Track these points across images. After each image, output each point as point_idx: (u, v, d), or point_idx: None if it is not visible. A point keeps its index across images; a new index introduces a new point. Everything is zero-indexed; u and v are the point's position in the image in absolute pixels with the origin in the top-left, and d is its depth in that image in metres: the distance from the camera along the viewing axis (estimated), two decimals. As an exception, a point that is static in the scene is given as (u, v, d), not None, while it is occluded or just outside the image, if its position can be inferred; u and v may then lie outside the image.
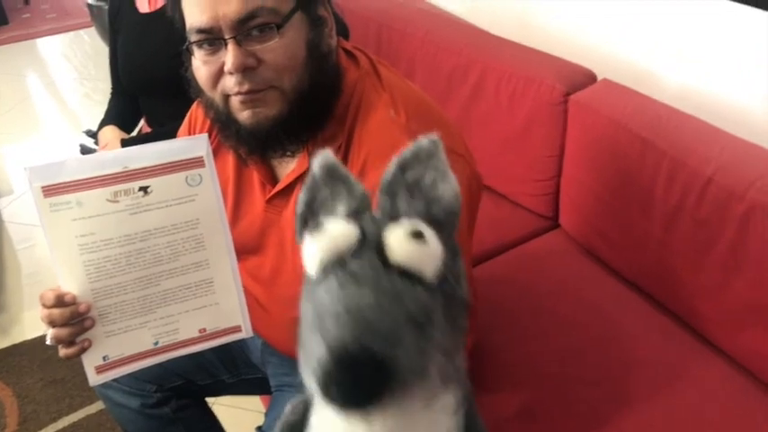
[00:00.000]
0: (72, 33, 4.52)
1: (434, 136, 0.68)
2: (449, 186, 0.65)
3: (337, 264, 0.60)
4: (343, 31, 1.38)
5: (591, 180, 1.50)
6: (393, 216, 0.63)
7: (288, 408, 0.81)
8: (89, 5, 3.46)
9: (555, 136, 1.55)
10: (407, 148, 0.66)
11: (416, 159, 0.66)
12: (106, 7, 3.23)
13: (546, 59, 1.64)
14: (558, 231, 1.65)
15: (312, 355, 0.58)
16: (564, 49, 1.71)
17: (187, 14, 0.94)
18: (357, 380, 0.55)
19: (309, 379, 0.59)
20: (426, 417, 0.61)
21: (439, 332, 0.59)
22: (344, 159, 0.99)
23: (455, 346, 0.62)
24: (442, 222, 0.63)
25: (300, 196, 0.71)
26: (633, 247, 1.42)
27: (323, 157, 0.70)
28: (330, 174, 0.69)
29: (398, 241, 0.59)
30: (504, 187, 1.74)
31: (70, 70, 4.16)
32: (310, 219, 0.69)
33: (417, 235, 0.59)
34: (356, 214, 0.65)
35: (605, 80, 1.56)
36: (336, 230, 0.61)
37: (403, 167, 0.66)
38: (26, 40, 4.47)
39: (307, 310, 0.62)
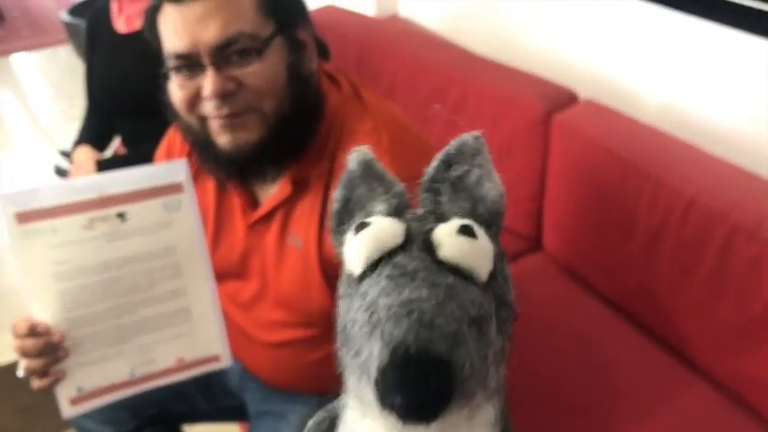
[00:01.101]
0: (48, 50, 4.46)
1: (478, 132, 0.65)
2: (494, 185, 0.62)
3: (386, 262, 0.57)
4: (323, 53, 1.37)
5: (573, 201, 1.49)
6: (438, 213, 0.60)
7: (312, 424, 0.78)
8: (65, 23, 3.42)
9: (536, 156, 1.54)
10: (451, 144, 0.63)
11: (461, 155, 0.63)
12: (83, 25, 3.20)
13: (527, 79, 1.64)
14: (540, 253, 1.64)
15: (368, 361, 0.53)
16: (545, 68, 1.71)
17: (165, 39, 0.93)
18: (418, 383, 0.50)
19: (364, 388, 0.54)
20: (468, 430, 0.58)
21: (494, 336, 0.56)
22: (327, 184, 0.98)
23: (503, 354, 0.59)
24: (488, 222, 0.60)
25: (336, 193, 0.68)
26: (616, 268, 1.42)
27: (360, 154, 0.68)
28: (367, 171, 0.66)
29: (449, 237, 0.56)
30: (485, 208, 1.73)
31: (46, 87, 4.10)
32: (346, 217, 0.66)
33: (468, 231, 0.56)
34: (397, 212, 0.62)
35: (587, 100, 1.56)
36: (383, 227, 0.58)
37: (447, 163, 0.63)
38: (0, 56, 4.40)
39: (354, 312, 0.58)
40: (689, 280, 1.26)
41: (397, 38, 1.98)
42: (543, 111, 1.51)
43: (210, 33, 0.88)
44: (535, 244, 1.66)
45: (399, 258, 0.56)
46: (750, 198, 1.20)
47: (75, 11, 3.45)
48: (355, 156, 0.67)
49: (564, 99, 1.55)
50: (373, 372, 0.52)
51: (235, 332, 1.18)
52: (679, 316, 1.30)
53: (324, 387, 1.06)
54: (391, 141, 0.96)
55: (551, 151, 1.52)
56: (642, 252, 1.34)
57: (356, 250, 0.59)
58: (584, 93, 1.61)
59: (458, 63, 1.78)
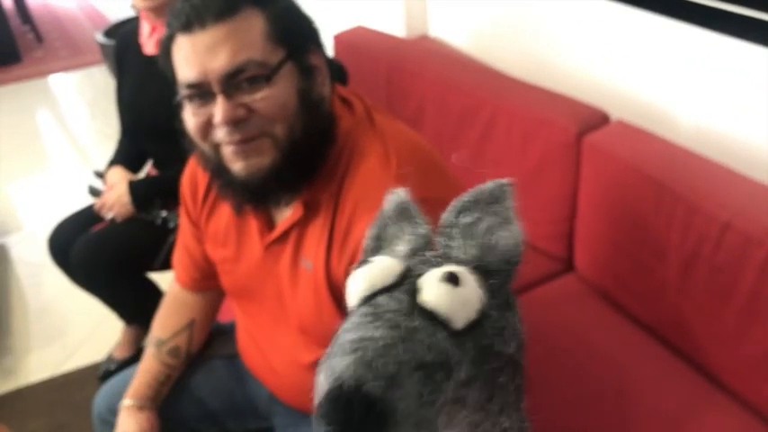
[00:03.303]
0: (84, 70, 4.56)
1: (505, 180, 0.65)
2: (510, 234, 0.62)
3: (371, 299, 0.59)
4: (341, 77, 1.37)
5: (605, 223, 1.47)
6: (445, 258, 0.61)
7: None
8: (100, 44, 3.49)
9: (568, 178, 1.53)
10: (469, 191, 0.64)
11: (475, 203, 0.64)
12: (117, 46, 3.26)
13: (558, 100, 1.63)
14: (572, 275, 1.61)
15: (318, 385, 0.57)
16: (576, 88, 1.70)
17: (177, 69, 0.94)
18: (348, 416, 0.53)
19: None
20: None
21: (458, 385, 0.56)
22: (335, 207, 0.98)
23: (498, 404, 0.59)
24: (494, 271, 0.60)
25: (369, 230, 0.70)
26: (650, 292, 1.39)
27: (396, 196, 0.69)
28: (400, 212, 0.68)
29: (429, 283, 0.57)
30: (516, 229, 1.71)
31: (82, 107, 4.20)
32: (373, 254, 0.67)
33: (451, 279, 0.57)
34: (412, 252, 0.63)
35: (619, 121, 1.54)
36: (377, 265, 0.60)
37: (459, 211, 0.63)
38: (38, 77, 4.51)
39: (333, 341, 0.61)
40: (724, 305, 1.23)
41: (427, 58, 1.98)
42: (575, 132, 1.50)
43: (219, 62, 0.89)
44: (567, 265, 1.64)
45: (380, 298, 0.59)
46: (788, 222, 1.18)
47: (109, 32, 3.52)
48: (392, 197, 0.68)
49: (596, 120, 1.54)
50: (317, 397, 0.56)
51: (259, 356, 1.20)
52: (714, 341, 1.27)
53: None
54: (400, 164, 0.96)
55: (583, 172, 1.51)
56: (676, 276, 1.32)
57: (352, 285, 0.63)
58: (615, 113, 1.59)
59: (488, 83, 1.77)
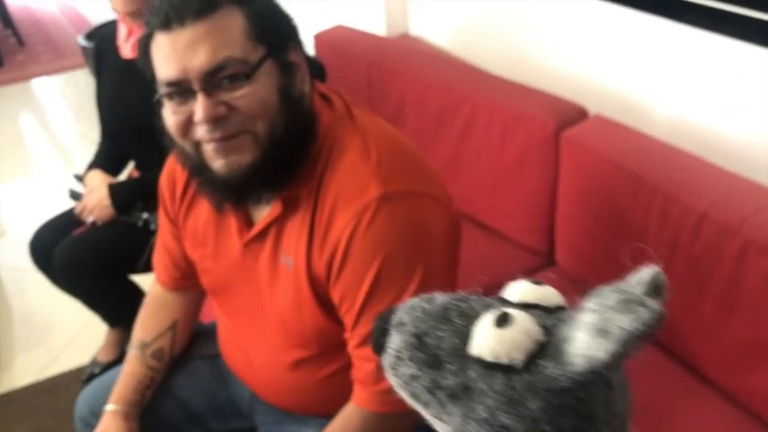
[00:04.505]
0: (67, 74, 4.54)
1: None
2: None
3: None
4: (320, 74, 1.37)
5: (585, 216, 1.48)
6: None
7: None
8: (82, 47, 3.48)
9: (547, 172, 1.54)
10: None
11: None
12: (99, 49, 3.24)
13: (536, 95, 1.64)
14: (553, 268, 1.62)
15: None
16: (554, 84, 1.70)
17: (157, 67, 0.93)
18: None
19: None
20: None
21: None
22: (315, 203, 0.98)
23: None
24: None
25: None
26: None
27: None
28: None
29: (477, 331, 0.59)
30: (498, 223, 1.72)
31: (65, 110, 4.17)
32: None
33: (500, 321, 0.57)
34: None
35: (597, 116, 1.55)
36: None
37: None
38: (21, 81, 4.48)
39: None
40: (701, 295, 1.25)
41: (407, 56, 1.98)
42: (553, 127, 1.50)
43: (199, 60, 0.89)
44: (548, 260, 1.65)
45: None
46: (763, 212, 1.19)
47: (90, 35, 3.50)
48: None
49: (574, 115, 1.55)
50: None
51: (240, 355, 1.20)
52: (693, 332, 1.29)
53: (331, 409, 1.06)
54: (379, 159, 0.96)
55: (562, 167, 1.51)
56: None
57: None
58: (593, 108, 1.60)
59: (467, 80, 1.78)
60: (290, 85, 0.96)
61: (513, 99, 1.63)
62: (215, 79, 0.90)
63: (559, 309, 0.61)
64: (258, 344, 1.14)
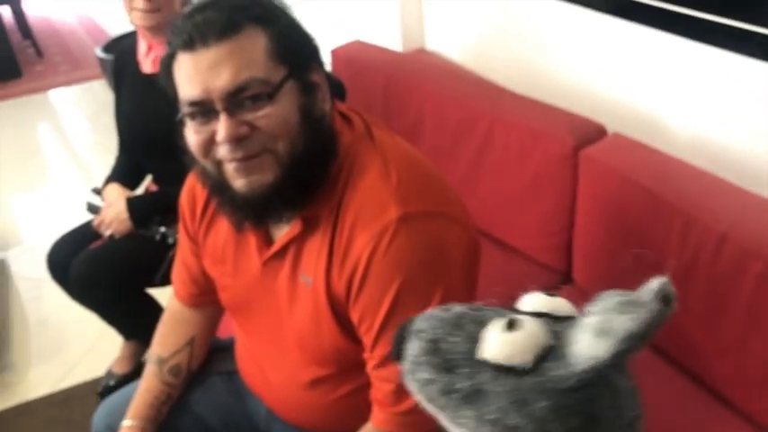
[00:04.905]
0: (84, 85, 4.58)
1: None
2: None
3: None
4: (339, 93, 1.38)
5: (603, 234, 1.47)
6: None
7: None
8: (99, 58, 3.51)
9: (565, 190, 1.53)
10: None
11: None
12: (116, 61, 3.27)
13: (555, 113, 1.63)
14: (571, 286, 1.62)
15: None
16: (572, 101, 1.70)
17: (179, 87, 0.94)
18: None
19: None
20: None
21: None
22: (335, 222, 0.98)
23: None
24: None
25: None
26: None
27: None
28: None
29: (486, 335, 0.61)
30: (515, 240, 1.72)
31: (82, 121, 4.21)
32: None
33: (509, 326, 0.59)
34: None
35: (616, 134, 1.54)
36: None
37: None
38: (39, 92, 4.53)
39: None
40: (722, 316, 1.24)
41: (424, 71, 1.99)
42: (572, 144, 1.50)
43: (222, 80, 0.89)
44: (565, 277, 1.65)
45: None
46: (785, 233, 1.18)
47: (108, 47, 3.54)
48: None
49: (592, 133, 1.54)
50: None
51: (257, 372, 1.20)
52: (713, 353, 1.27)
53: (347, 428, 1.06)
54: (399, 179, 0.96)
55: (580, 185, 1.51)
56: (674, 287, 1.31)
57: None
58: (611, 126, 1.59)
59: (485, 96, 1.78)
60: (311, 104, 0.96)
61: (532, 116, 1.63)
62: (237, 99, 0.90)
63: (570, 317, 0.63)
64: (276, 361, 1.14)
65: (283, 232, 1.04)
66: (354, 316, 0.98)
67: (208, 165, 0.97)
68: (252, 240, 1.08)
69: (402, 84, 1.96)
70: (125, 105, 1.88)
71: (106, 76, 3.58)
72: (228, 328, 1.35)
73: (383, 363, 0.97)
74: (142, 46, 1.81)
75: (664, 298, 0.59)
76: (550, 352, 0.59)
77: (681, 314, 1.33)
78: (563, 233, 1.58)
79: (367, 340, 0.98)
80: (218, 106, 0.90)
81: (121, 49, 1.96)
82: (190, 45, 0.90)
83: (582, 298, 1.64)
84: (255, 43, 0.91)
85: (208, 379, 1.32)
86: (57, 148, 3.93)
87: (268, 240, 1.07)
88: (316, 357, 1.07)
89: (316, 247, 1.00)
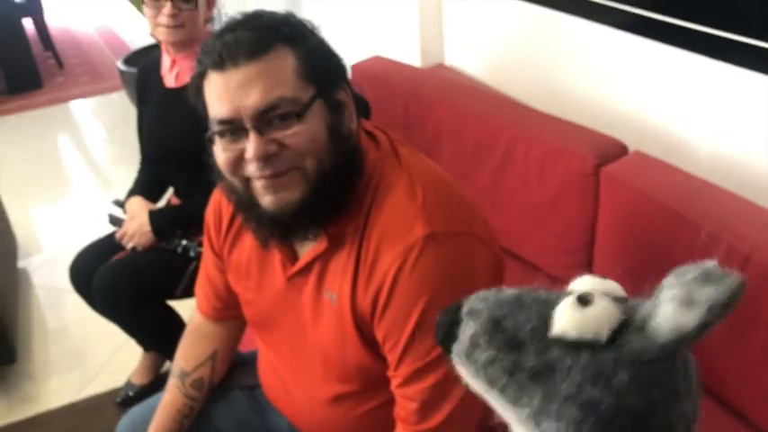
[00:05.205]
0: (104, 96, 4.63)
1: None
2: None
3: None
4: (364, 111, 1.39)
5: (624, 253, 1.47)
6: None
7: None
8: (120, 71, 3.55)
9: (586, 208, 1.53)
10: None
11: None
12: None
13: (576, 130, 1.63)
14: (590, 304, 1.61)
15: None
16: (592, 118, 1.70)
17: (209, 105, 0.95)
18: None
19: None
20: None
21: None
22: (360, 240, 0.99)
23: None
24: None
25: None
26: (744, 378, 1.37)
27: None
28: None
29: (558, 312, 0.61)
30: (534, 257, 1.71)
31: (101, 131, 4.26)
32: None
33: (580, 301, 0.59)
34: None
35: (637, 152, 1.54)
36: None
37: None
38: (59, 103, 4.58)
39: None
40: (745, 339, 1.23)
41: (443, 87, 2.00)
42: (593, 162, 1.50)
43: (252, 99, 0.90)
44: (585, 295, 1.64)
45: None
46: (809, 255, 1.17)
47: (129, 60, 3.59)
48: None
49: (614, 150, 1.54)
50: None
51: (280, 387, 1.20)
52: (737, 376, 1.27)
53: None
54: (425, 199, 0.97)
55: (601, 203, 1.51)
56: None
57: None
58: (633, 144, 1.59)
59: (505, 112, 1.79)
60: (338, 123, 0.97)
61: (552, 133, 1.63)
62: (267, 118, 0.92)
63: (626, 299, 0.64)
64: (299, 377, 1.15)
65: (308, 249, 1.05)
66: (379, 334, 0.99)
67: (235, 182, 0.98)
68: (276, 256, 1.09)
69: (422, 99, 1.96)
70: (148, 119, 1.90)
71: (126, 88, 3.62)
72: (250, 341, 1.36)
73: (407, 381, 0.97)
74: (166, 61, 1.84)
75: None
76: (624, 326, 0.59)
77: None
78: (583, 250, 1.58)
79: (391, 358, 0.99)
80: (248, 125, 0.92)
81: (146, 63, 1.99)
82: (220, 64, 0.92)
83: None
84: (285, 63, 0.93)
85: (229, 393, 1.33)
86: (76, 158, 3.98)
87: (292, 256, 1.08)
88: (339, 374, 1.07)
89: (341, 265, 1.01)
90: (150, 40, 3.62)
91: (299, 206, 0.96)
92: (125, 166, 3.65)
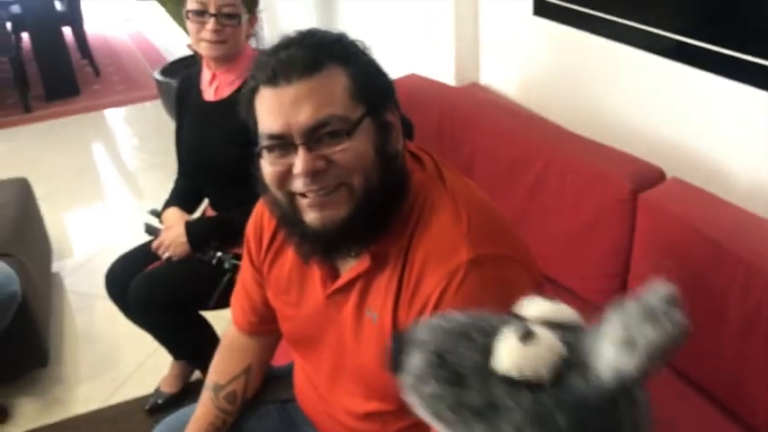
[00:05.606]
0: (138, 105, 4.70)
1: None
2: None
3: None
4: (408, 132, 1.40)
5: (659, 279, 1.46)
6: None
7: None
8: (157, 81, 3.60)
9: (622, 234, 1.52)
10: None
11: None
12: (174, 84, 3.38)
13: (613, 155, 1.63)
14: (624, 330, 1.60)
15: None
16: (629, 143, 1.70)
17: (260, 120, 0.97)
18: None
19: None
20: None
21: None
22: (404, 260, 0.99)
23: None
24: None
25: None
26: (705, 353, 1.37)
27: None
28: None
29: (500, 346, 0.59)
30: (569, 281, 1.71)
31: (133, 139, 4.33)
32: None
33: (524, 336, 0.57)
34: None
35: (675, 179, 1.54)
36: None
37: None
38: (95, 110, 4.66)
39: None
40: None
41: (480, 106, 2.00)
42: (630, 188, 1.50)
43: (303, 116, 0.92)
44: (618, 320, 1.63)
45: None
46: None
47: (165, 70, 3.64)
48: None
49: (652, 177, 1.54)
50: None
51: (317, 401, 1.21)
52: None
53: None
54: (470, 223, 0.97)
55: (638, 229, 1.50)
56: (734, 338, 1.30)
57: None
58: (670, 170, 1.59)
59: (541, 134, 1.79)
60: (385, 143, 0.98)
61: (590, 157, 1.63)
62: (316, 135, 0.93)
63: (576, 326, 0.61)
64: (336, 393, 1.15)
65: (350, 267, 1.06)
66: None
67: (281, 196, 0.99)
68: (316, 272, 1.10)
69: (457, 119, 1.97)
70: (186, 132, 1.93)
71: (162, 98, 3.67)
72: (284, 355, 1.37)
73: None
74: (206, 75, 1.87)
75: (671, 302, 0.57)
76: (567, 364, 0.57)
77: (741, 365, 1.31)
78: (618, 276, 1.57)
79: (432, 380, 0.99)
80: (297, 140, 0.93)
81: (185, 76, 2.02)
82: (273, 80, 0.93)
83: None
84: (336, 81, 0.94)
85: (262, 407, 1.34)
86: (108, 165, 4.05)
87: (333, 273, 1.08)
88: (378, 392, 1.07)
89: (383, 284, 1.01)
90: (186, 52, 3.67)
91: (345, 224, 0.96)
92: (153, 171, 3.73)
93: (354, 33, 1.03)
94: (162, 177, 3.65)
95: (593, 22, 1.82)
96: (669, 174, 1.58)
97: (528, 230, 1.75)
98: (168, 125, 3.90)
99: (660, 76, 1.68)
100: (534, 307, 0.62)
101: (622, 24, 1.73)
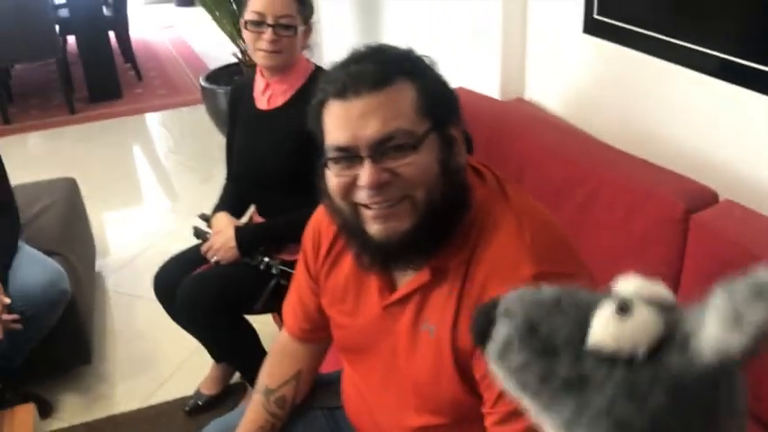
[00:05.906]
0: (178, 110, 4.78)
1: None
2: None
3: None
4: (468, 147, 1.41)
5: (709, 302, 1.45)
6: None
7: None
8: (203, 87, 3.66)
9: (673, 254, 1.51)
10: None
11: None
12: (219, 90, 3.44)
13: (666, 174, 1.62)
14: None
15: None
16: (681, 164, 1.69)
17: (327, 131, 0.99)
18: None
19: None
20: None
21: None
22: (465, 275, 1.00)
23: None
24: None
25: None
26: (757, 378, 1.36)
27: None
28: None
29: (595, 322, 0.57)
30: (614, 300, 1.70)
31: (169, 142, 4.41)
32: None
33: (621, 309, 0.55)
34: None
35: (727, 200, 1.53)
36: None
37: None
38: (137, 114, 4.74)
39: None
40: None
41: (527, 121, 2.00)
42: (683, 209, 1.49)
43: (371, 129, 0.94)
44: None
45: None
46: None
47: (209, 77, 3.71)
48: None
49: (705, 198, 1.52)
50: None
51: (365, 411, 1.22)
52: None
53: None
54: (533, 239, 0.98)
55: (688, 250, 1.49)
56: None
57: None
58: (722, 192, 1.58)
59: (591, 151, 1.78)
60: (449, 157, 1.00)
61: (641, 176, 1.62)
62: (383, 148, 0.94)
63: (673, 306, 0.59)
64: (386, 404, 1.16)
65: (408, 279, 1.07)
66: (478, 370, 1.00)
67: (344, 206, 1.01)
68: (373, 283, 1.11)
69: (505, 134, 1.97)
70: (238, 139, 1.96)
71: (206, 103, 3.73)
72: (332, 362, 1.39)
73: (504, 420, 0.98)
74: (260, 83, 1.90)
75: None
76: (665, 341, 0.55)
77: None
78: (667, 297, 1.56)
79: (489, 395, 0.99)
80: (364, 153, 0.95)
81: (238, 85, 2.06)
82: (342, 93, 0.95)
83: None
84: (404, 96, 0.96)
85: (310, 413, 1.35)
86: (146, 167, 4.12)
87: (391, 285, 1.10)
88: (431, 406, 1.08)
89: (442, 298, 1.02)
90: (230, 59, 3.73)
91: (407, 236, 0.98)
92: (189, 175, 3.79)
93: (400, 45, 1.04)
94: (195, 180, 3.73)
95: (642, 41, 1.82)
96: (721, 196, 1.57)
97: (578, 247, 1.74)
98: (204, 130, 3.98)
99: (712, 97, 1.67)
100: (630, 284, 0.61)
101: (673, 44, 1.73)
